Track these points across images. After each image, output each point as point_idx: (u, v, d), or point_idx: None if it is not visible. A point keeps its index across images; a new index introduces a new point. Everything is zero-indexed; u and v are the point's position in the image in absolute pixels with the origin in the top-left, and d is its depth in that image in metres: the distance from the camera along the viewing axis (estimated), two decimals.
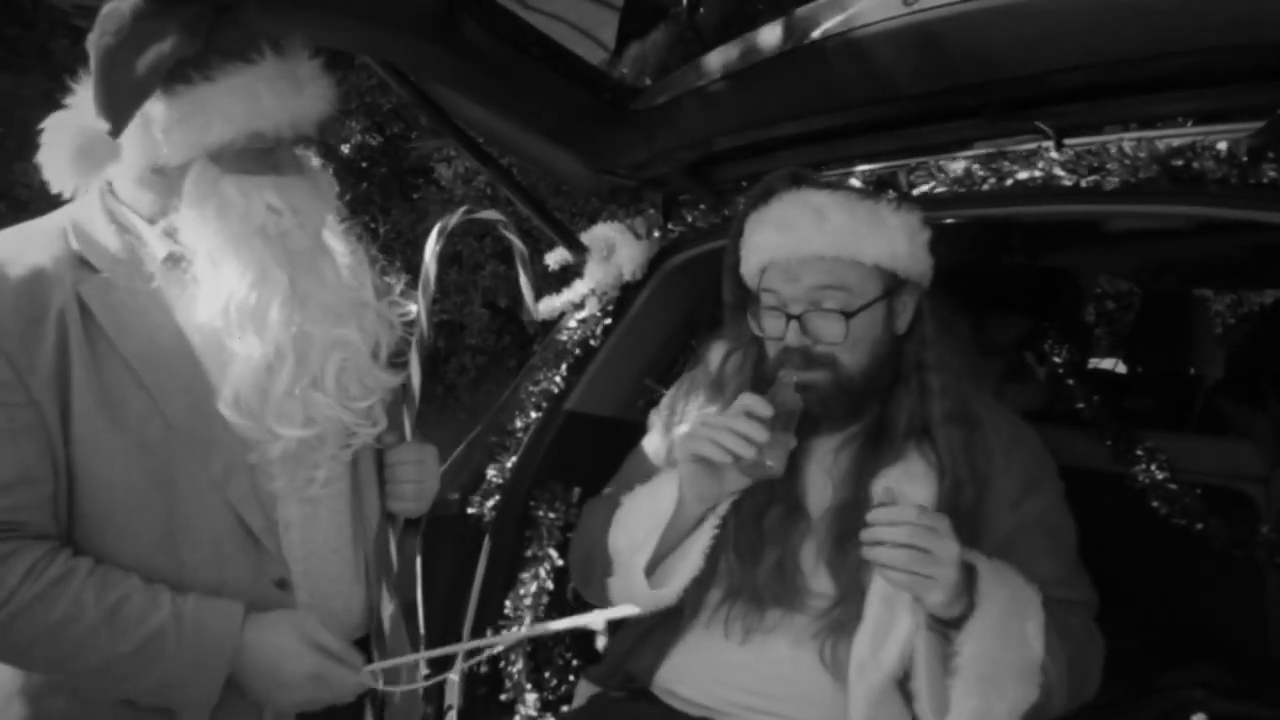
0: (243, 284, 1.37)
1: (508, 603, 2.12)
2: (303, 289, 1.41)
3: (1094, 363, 3.51)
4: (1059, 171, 1.60)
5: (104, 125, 1.33)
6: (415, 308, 1.56)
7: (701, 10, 2.39)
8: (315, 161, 1.49)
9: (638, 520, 1.63)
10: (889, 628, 1.49)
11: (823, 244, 1.55)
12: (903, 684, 1.51)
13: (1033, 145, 1.66)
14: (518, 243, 1.65)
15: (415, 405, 1.57)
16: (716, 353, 1.76)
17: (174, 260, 1.38)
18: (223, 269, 1.37)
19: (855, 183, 1.88)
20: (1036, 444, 1.66)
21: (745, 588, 1.58)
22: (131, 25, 1.32)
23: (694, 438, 1.54)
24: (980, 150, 1.74)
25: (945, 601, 1.41)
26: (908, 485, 1.53)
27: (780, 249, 1.59)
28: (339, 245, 1.51)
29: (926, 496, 1.52)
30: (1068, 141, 1.63)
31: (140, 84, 1.31)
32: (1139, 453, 2.36)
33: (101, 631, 1.29)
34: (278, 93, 1.36)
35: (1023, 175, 1.64)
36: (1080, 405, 2.52)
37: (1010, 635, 1.43)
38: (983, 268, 2.89)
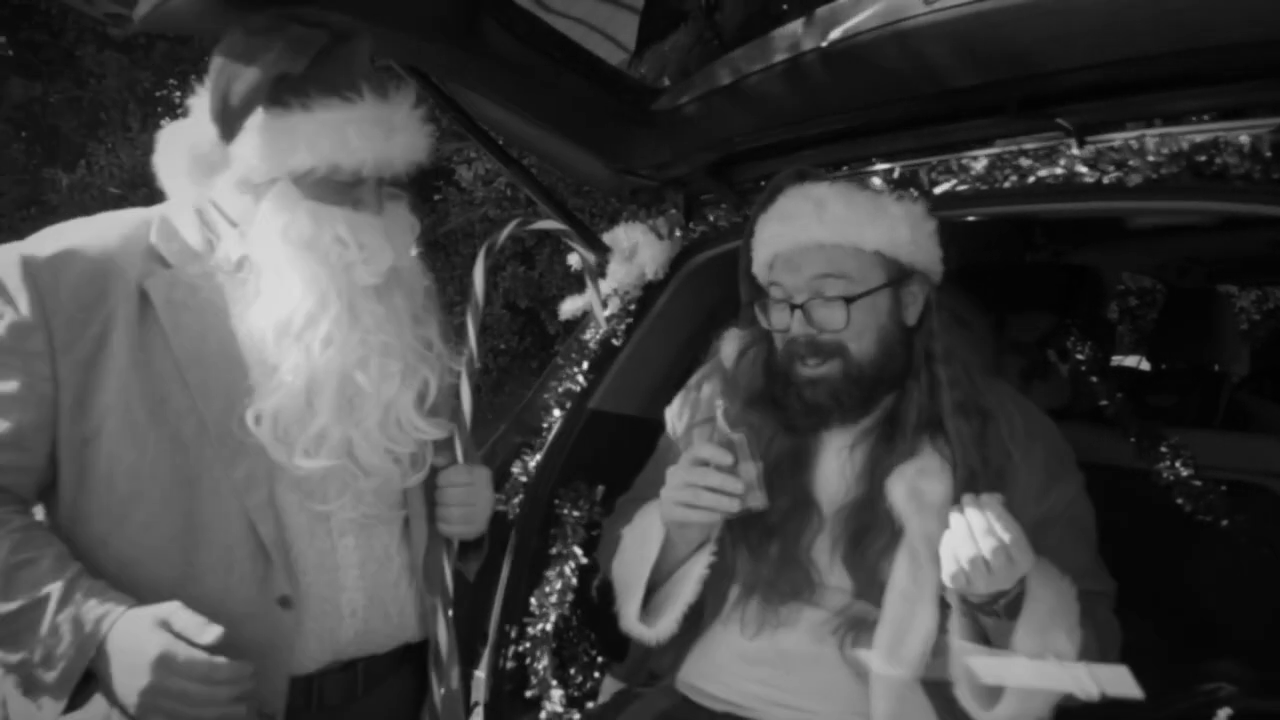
0: (299, 306, 1.40)
1: (533, 600, 2.14)
2: (362, 323, 1.43)
3: (1118, 360, 3.50)
4: (1080, 168, 1.60)
5: (215, 133, 1.39)
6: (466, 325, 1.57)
7: (721, 11, 2.40)
8: (400, 204, 1.51)
9: (629, 557, 1.67)
10: (909, 624, 1.49)
11: (822, 233, 1.57)
12: (929, 683, 1.51)
13: (1054, 142, 1.66)
14: (586, 255, 1.63)
15: (467, 427, 1.56)
16: (730, 344, 1.77)
17: (242, 264, 1.42)
18: (283, 287, 1.41)
19: (877, 181, 1.88)
20: (1055, 436, 1.65)
21: (758, 582, 1.60)
22: (244, 40, 1.41)
23: (674, 505, 1.54)
24: (1001, 148, 1.74)
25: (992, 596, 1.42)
26: (923, 481, 1.54)
27: (783, 240, 1.62)
28: (411, 286, 1.51)
29: (943, 491, 1.53)
30: (1089, 139, 1.64)
31: (247, 95, 1.37)
32: (1163, 449, 2.35)
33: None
34: (365, 135, 1.40)
35: (1044, 172, 1.64)
36: (1103, 402, 2.51)
37: (1053, 631, 1.43)
38: (1005, 265, 2.88)
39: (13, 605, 1.28)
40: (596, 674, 2.14)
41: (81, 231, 1.42)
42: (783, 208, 1.64)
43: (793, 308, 1.59)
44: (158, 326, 1.37)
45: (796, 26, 1.82)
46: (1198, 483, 2.30)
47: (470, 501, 1.55)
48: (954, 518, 1.39)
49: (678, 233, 2.29)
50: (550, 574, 2.14)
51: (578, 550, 2.13)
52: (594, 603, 1.90)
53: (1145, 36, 1.43)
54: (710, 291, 2.34)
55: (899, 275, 1.61)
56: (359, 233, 1.43)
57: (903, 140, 1.91)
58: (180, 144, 1.47)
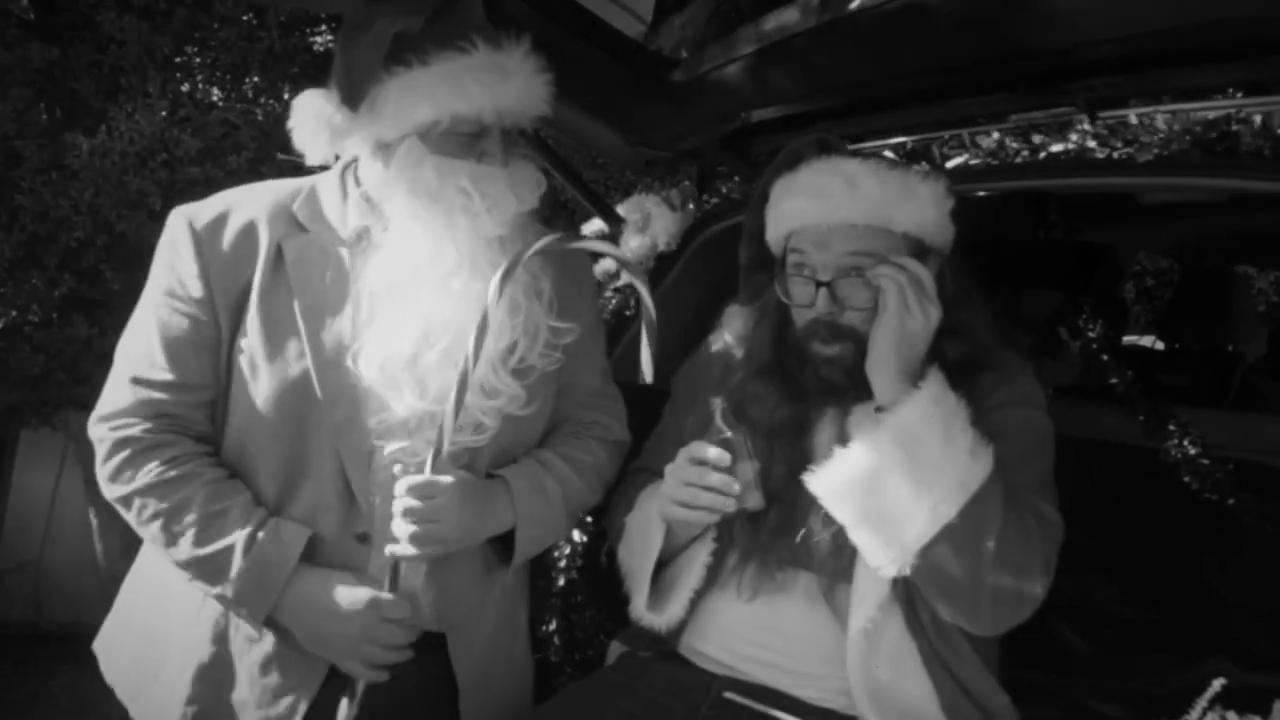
0: (420, 255, 1.50)
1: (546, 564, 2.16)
2: (483, 275, 1.49)
3: (1132, 339, 3.49)
4: (1091, 144, 1.61)
5: (341, 100, 1.51)
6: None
7: None
8: (526, 160, 1.56)
9: (633, 548, 1.69)
10: (871, 575, 1.50)
11: (855, 212, 1.56)
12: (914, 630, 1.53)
13: (1066, 117, 1.66)
14: (648, 301, 1.56)
15: (447, 432, 1.50)
16: (733, 320, 1.78)
17: (363, 235, 1.55)
18: (408, 240, 1.51)
19: (889, 154, 1.89)
20: (1037, 386, 1.64)
21: (756, 548, 1.62)
22: (365, 8, 1.52)
23: (673, 505, 1.54)
24: (1013, 123, 1.74)
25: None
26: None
27: (812, 216, 1.60)
28: (532, 243, 1.53)
29: None
30: (1101, 114, 1.64)
31: (367, 61, 1.49)
32: (1171, 428, 2.35)
33: (195, 531, 1.49)
34: (482, 82, 1.47)
35: (1056, 148, 1.65)
36: (1113, 380, 2.52)
37: (939, 430, 1.42)
38: (1017, 241, 2.88)
39: (209, 549, 1.49)
40: (603, 637, 2.17)
41: (239, 196, 1.60)
42: (810, 181, 1.61)
43: (818, 284, 1.58)
44: (286, 281, 1.53)
45: (812, 0, 1.82)
46: (1205, 461, 2.31)
47: (430, 518, 1.49)
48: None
49: (691, 204, 2.30)
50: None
51: (587, 516, 2.15)
52: (603, 567, 1.92)
53: (1158, 11, 1.42)
54: (723, 263, 2.34)
55: (919, 254, 1.61)
56: (482, 184, 1.50)
57: (915, 114, 1.91)
58: (309, 112, 1.54)
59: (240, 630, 1.56)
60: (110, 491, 1.55)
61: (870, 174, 1.58)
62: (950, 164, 1.79)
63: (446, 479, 1.50)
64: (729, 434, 1.51)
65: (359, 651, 1.48)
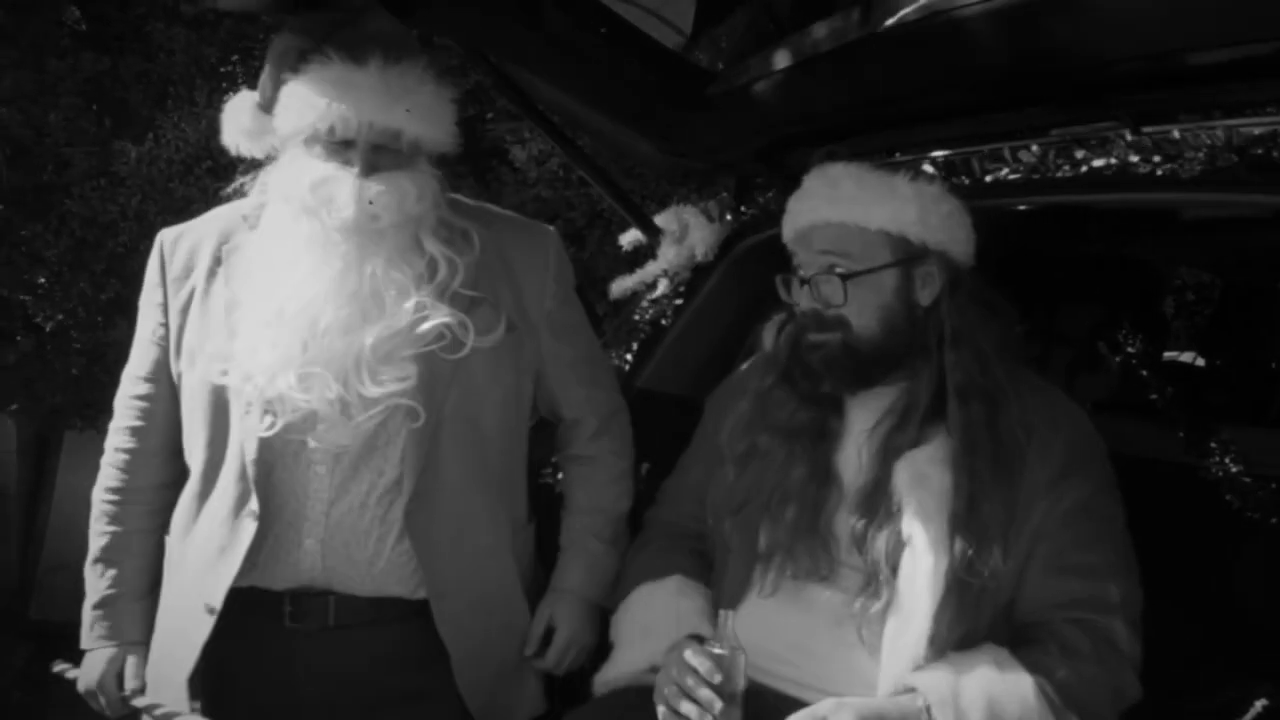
0: (272, 241, 1.67)
1: None
2: (330, 269, 1.62)
3: (1172, 355, 3.45)
4: (1134, 158, 1.59)
5: (258, 102, 1.68)
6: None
7: None
8: (401, 172, 1.63)
9: (625, 638, 1.73)
10: (914, 610, 1.51)
11: (830, 211, 1.63)
12: None
13: (1108, 132, 1.65)
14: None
15: None
16: (770, 333, 1.80)
17: (250, 221, 1.72)
18: (267, 234, 1.68)
19: (926, 168, 1.88)
20: (1082, 427, 1.63)
21: (777, 549, 1.63)
22: (286, 23, 1.69)
23: (663, 696, 1.54)
24: (1054, 137, 1.73)
25: None
26: (930, 468, 1.55)
27: (800, 218, 1.68)
28: (398, 246, 1.65)
29: (947, 481, 1.54)
30: (1145, 129, 1.62)
31: (274, 67, 1.65)
32: (1212, 445, 2.33)
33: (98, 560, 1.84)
34: (326, 95, 1.59)
35: (1098, 162, 1.64)
36: (1153, 396, 2.49)
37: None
38: (1056, 255, 2.86)
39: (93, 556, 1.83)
40: None
41: (207, 215, 1.81)
42: (804, 186, 1.70)
43: (802, 282, 1.65)
44: (215, 277, 1.72)
45: (850, 12, 1.82)
46: (1247, 479, 2.28)
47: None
48: None
49: (728, 216, 2.31)
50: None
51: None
52: None
53: (1205, 24, 1.41)
54: (759, 275, 2.35)
55: (909, 255, 1.62)
56: (325, 186, 1.60)
57: (956, 127, 1.91)
58: (234, 112, 1.72)
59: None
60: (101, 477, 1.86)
61: (850, 176, 1.64)
62: (990, 177, 1.78)
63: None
64: (723, 651, 1.51)
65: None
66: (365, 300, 1.62)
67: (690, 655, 1.52)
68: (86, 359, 4.08)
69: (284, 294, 1.62)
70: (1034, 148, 1.74)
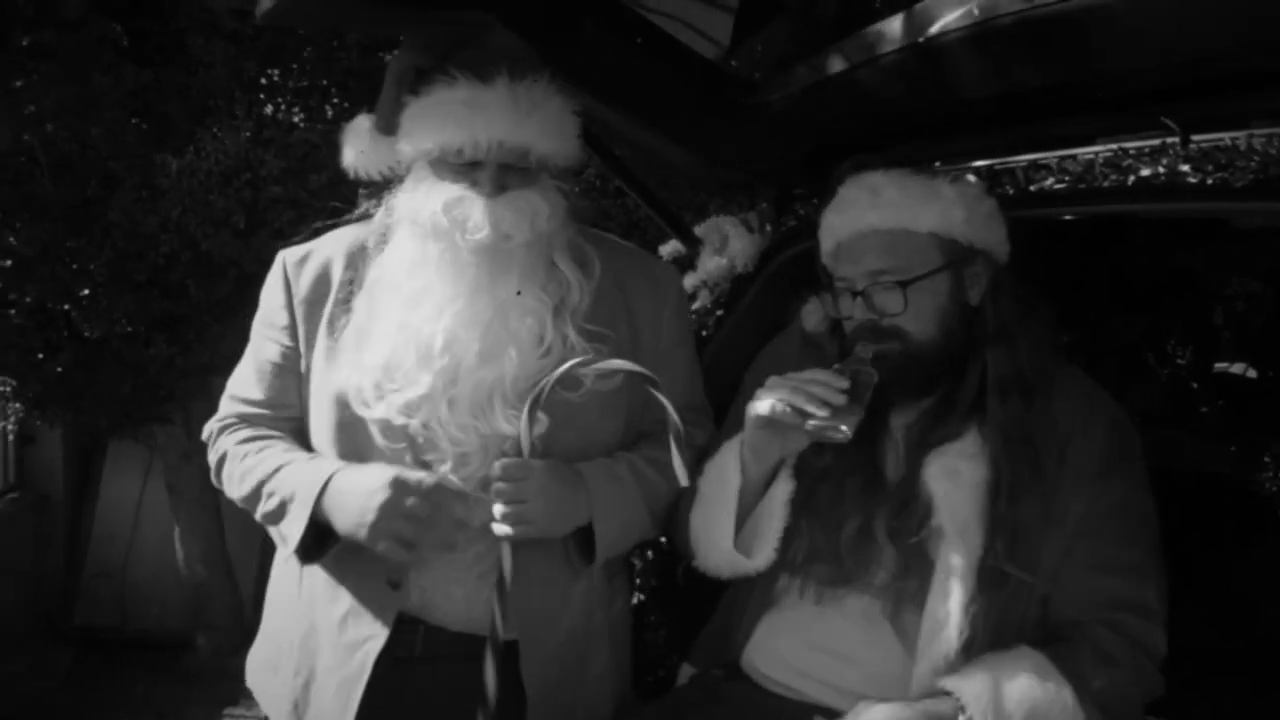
0: (405, 267, 1.63)
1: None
2: (462, 291, 1.60)
3: (1223, 366, 3.39)
4: (1184, 168, 1.56)
5: (376, 124, 1.66)
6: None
7: (818, 5, 2.38)
8: (526, 190, 1.61)
9: (709, 500, 1.67)
10: (947, 606, 1.51)
11: (876, 218, 1.61)
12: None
13: (1157, 141, 1.62)
14: (673, 415, 1.52)
15: (531, 421, 1.58)
16: (811, 313, 1.79)
17: (375, 244, 1.69)
18: (396, 257, 1.65)
19: (970, 177, 1.86)
20: (1121, 425, 1.63)
21: (827, 556, 1.61)
22: (401, 44, 1.67)
23: (765, 397, 1.55)
24: (1102, 146, 1.70)
25: None
26: (962, 463, 1.55)
27: (842, 229, 1.66)
28: (527, 268, 1.63)
29: (979, 475, 1.54)
30: (1195, 137, 1.59)
31: (393, 90, 1.63)
32: (1266, 459, 2.28)
33: (269, 464, 1.67)
34: (455, 116, 1.56)
35: (1146, 172, 1.61)
36: (1204, 409, 2.45)
37: None
38: (1103, 266, 2.81)
39: (273, 471, 1.65)
40: (675, 657, 2.16)
41: (327, 237, 1.78)
42: (841, 197, 1.68)
43: (854, 294, 1.62)
44: (349, 305, 1.68)
45: (892, 21, 1.80)
46: None
47: (520, 498, 1.55)
48: None
49: (768, 226, 2.29)
50: (633, 559, 2.16)
51: (662, 538, 2.15)
52: (678, 586, 1.91)
53: (1256, 30, 1.38)
54: (800, 285, 2.33)
55: (959, 256, 1.62)
56: (455, 209, 1.57)
57: (1001, 136, 1.88)
58: (354, 135, 1.70)
59: (320, 590, 1.69)
60: (212, 461, 1.76)
61: (892, 182, 1.63)
62: (1035, 187, 1.75)
63: (537, 461, 1.57)
64: (864, 372, 1.51)
65: (388, 528, 1.52)
66: (499, 329, 1.59)
67: (818, 371, 1.53)
68: (131, 373, 4.14)
69: (421, 322, 1.59)
70: (1082, 157, 1.70)
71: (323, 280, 1.71)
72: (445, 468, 1.60)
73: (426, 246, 1.61)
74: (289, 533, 1.62)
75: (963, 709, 1.43)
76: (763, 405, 1.55)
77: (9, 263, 3.95)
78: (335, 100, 4.40)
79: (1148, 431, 2.48)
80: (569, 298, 1.65)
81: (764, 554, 1.62)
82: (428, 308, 1.59)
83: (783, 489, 1.62)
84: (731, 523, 1.63)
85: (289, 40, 4.15)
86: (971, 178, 1.80)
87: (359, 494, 1.54)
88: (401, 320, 1.60)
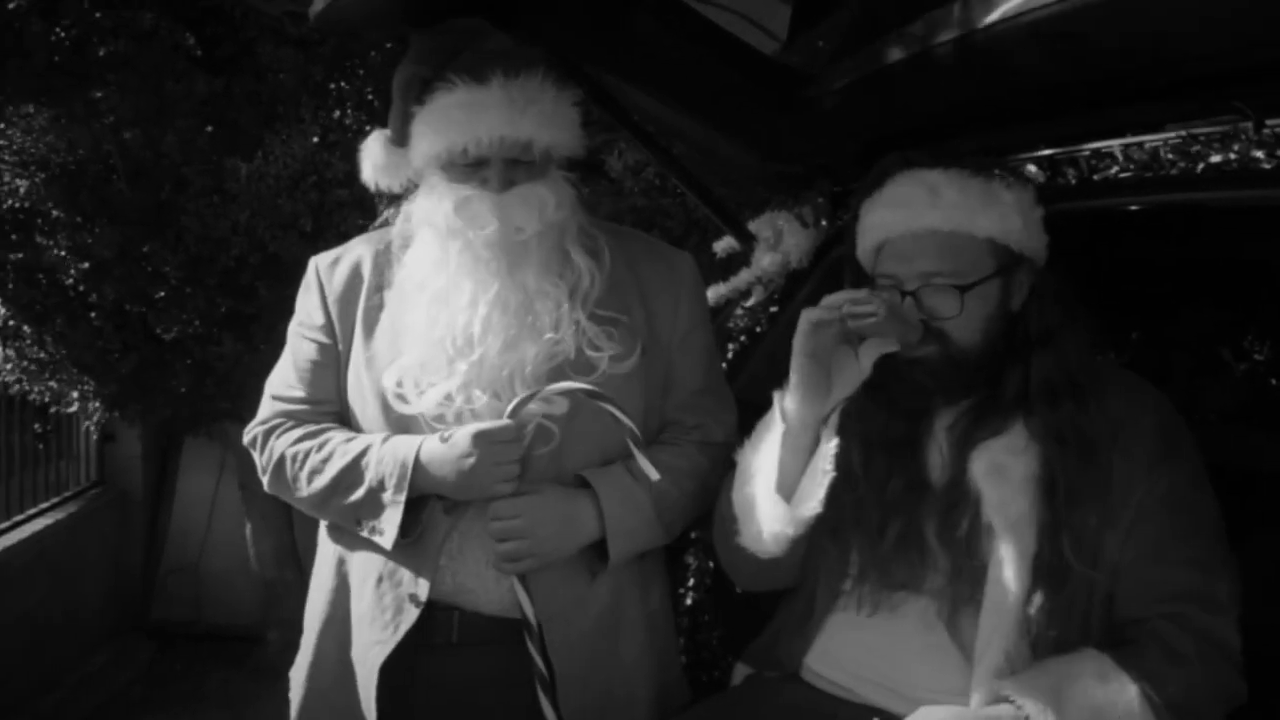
0: (418, 272, 1.71)
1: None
2: (478, 287, 1.66)
3: None
4: (1257, 154, 1.50)
5: (389, 138, 1.72)
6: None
7: None
8: (534, 184, 1.66)
9: (750, 463, 1.65)
10: (1005, 604, 1.48)
11: (936, 219, 1.57)
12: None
13: (1228, 126, 1.57)
14: (627, 422, 1.64)
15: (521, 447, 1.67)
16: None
17: (397, 249, 1.76)
18: (415, 256, 1.72)
19: (1031, 168, 1.82)
20: (1170, 413, 1.59)
21: (874, 564, 1.59)
22: (405, 54, 1.72)
23: (819, 311, 1.55)
24: (1169, 133, 1.65)
25: None
26: (1009, 458, 1.52)
27: (895, 226, 1.61)
28: (543, 260, 1.68)
29: (1027, 470, 1.51)
30: (1269, 122, 1.53)
31: (401, 101, 1.69)
32: None
33: (336, 454, 1.71)
34: (453, 119, 1.62)
35: (1216, 159, 1.55)
36: None
37: None
38: (1176, 258, 2.73)
39: (349, 459, 1.70)
40: (730, 658, 2.15)
41: (357, 241, 1.86)
42: (892, 193, 1.63)
43: (903, 294, 1.58)
44: (382, 304, 1.75)
45: (950, 10, 1.77)
46: None
47: (519, 535, 1.63)
48: None
49: (823, 221, 2.27)
50: (688, 558, 2.16)
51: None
52: (732, 587, 1.89)
53: None
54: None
55: (1009, 263, 1.59)
56: (466, 208, 1.64)
57: (1064, 125, 1.83)
58: (369, 150, 1.76)
59: (355, 572, 1.75)
60: (265, 464, 1.78)
61: (951, 182, 1.58)
62: (1099, 176, 1.70)
63: (524, 499, 1.64)
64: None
65: (494, 476, 1.62)
66: (522, 315, 1.66)
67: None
68: (197, 372, 4.24)
69: (450, 317, 1.66)
70: (1148, 145, 1.65)
71: (354, 280, 1.79)
72: None
73: (446, 247, 1.67)
74: (387, 519, 1.67)
75: (1023, 715, 1.40)
76: (814, 310, 1.55)
77: (87, 265, 4.07)
78: None
79: (1223, 430, 2.41)
80: (581, 284, 1.70)
81: (810, 505, 1.56)
82: (454, 304, 1.66)
83: (827, 445, 1.58)
84: (774, 468, 1.60)
85: (354, 46, 4.22)
86: (1029, 174, 1.76)
87: (450, 460, 1.62)
88: (431, 317, 1.67)
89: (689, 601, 2.14)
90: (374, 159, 1.75)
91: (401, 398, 1.67)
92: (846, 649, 1.63)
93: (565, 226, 1.71)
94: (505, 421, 1.62)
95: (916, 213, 1.59)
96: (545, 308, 1.66)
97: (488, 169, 1.65)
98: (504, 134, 1.62)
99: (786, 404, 1.60)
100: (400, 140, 1.71)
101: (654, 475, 1.60)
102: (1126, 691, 1.40)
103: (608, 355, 1.67)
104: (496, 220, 1.63)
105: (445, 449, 1.64)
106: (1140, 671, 1.42)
